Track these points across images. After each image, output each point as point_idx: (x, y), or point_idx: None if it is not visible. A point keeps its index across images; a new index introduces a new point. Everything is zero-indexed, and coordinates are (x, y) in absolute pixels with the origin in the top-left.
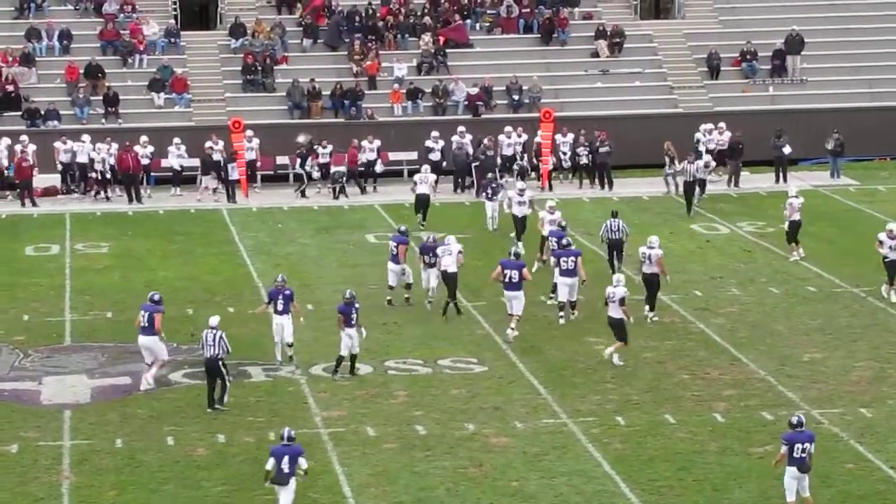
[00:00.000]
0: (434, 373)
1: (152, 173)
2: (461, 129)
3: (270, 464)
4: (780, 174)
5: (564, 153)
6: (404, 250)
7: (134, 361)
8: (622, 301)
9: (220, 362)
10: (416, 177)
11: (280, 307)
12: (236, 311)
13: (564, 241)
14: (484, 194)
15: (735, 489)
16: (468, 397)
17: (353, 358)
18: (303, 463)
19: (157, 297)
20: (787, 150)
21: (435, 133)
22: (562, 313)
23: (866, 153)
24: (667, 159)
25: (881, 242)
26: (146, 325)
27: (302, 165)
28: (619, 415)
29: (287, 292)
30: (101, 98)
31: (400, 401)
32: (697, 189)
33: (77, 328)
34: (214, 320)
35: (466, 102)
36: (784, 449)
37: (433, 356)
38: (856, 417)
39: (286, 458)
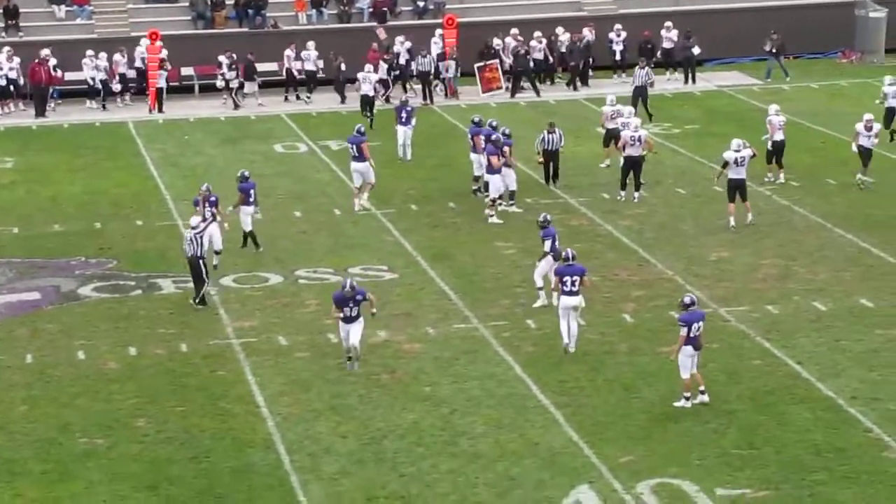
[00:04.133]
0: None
1: (57, 87)
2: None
3: (335, 311)
4: (689, 75)
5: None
6: (366, 147)
7: (42, 276)
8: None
9: (201, 261)
10: (359, 75)
11: (207, 215)
12: (144, 224)
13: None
14: (397, 116)
15: (644, 388)
16: (379, 305)
17: (252, 235)
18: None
19: (361, 129)
20: (696, 50)
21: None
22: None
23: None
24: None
25: (857, 133)
26: (356, 154)
27: (389, 71)
28: (529, 318)
29: (212, 199)
30: (0, 11)
31: (311, 310)
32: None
33: None
34: (194, 220)
35: (371, 9)
36: (683, 330)
37: (343, 264)
38: (762, 314)
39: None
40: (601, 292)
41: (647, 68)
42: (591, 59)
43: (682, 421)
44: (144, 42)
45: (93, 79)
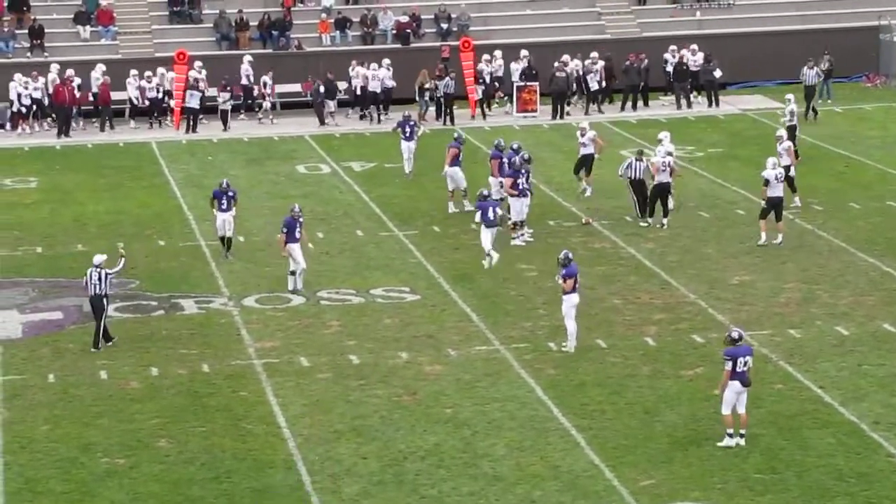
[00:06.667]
0: (367, 302)
1: (83, 107)
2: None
3: (478, 216)
4: (712, 99)
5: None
6: (454, 152)
7: (65, 296)
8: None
9: (105, 300)
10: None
11: (224, 205)
12: (167, 244)
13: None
14: (401, 132)
15: (666, 412)
16: (401, 326)
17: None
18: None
19: (457, 135)
20: (717, 73)
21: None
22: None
23: (794, 77)
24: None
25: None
26: (451, 160)
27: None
28: (551, 340)
29: (230, 193)
30: (26, 31)
31: (333, 331)
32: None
33: (7, 263)
34: (99, 259)
35: (395, 31)
36: (728, 365)
37: (365, 286)
38: (784, 338)
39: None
40: (623, 315)
41: (816, 68)
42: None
43: (703, 445)
44: (169, 74)
45: (137, 98)
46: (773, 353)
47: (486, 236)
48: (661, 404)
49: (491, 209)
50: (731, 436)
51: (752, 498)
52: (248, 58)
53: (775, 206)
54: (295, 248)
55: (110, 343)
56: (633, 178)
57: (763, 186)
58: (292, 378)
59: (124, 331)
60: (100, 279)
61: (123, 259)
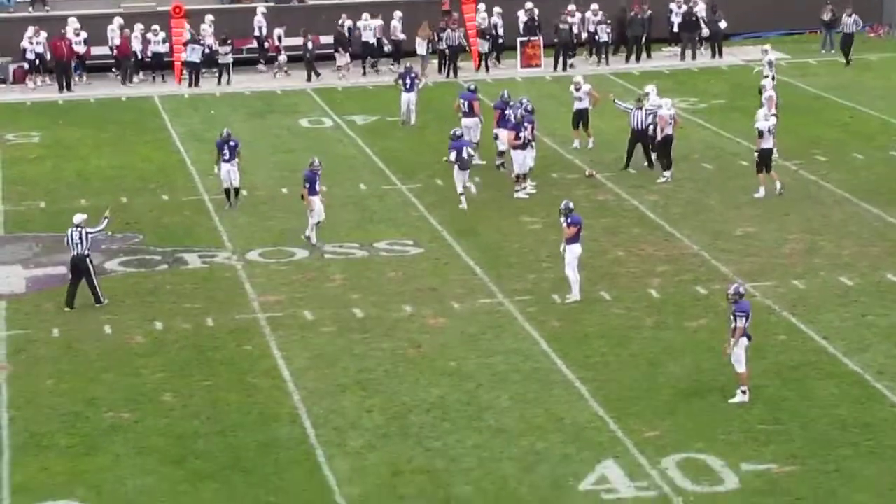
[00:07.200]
0: (370, 255)
1: (87, 61)
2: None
3: (453, 156)
4: (716, 49)
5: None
6: (478, 104)
7: (68, 251)
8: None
9: (88, 259)
10: (360, 24)
11: (227, 156)
12: (170, 199)
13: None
14: (402, 84)
15: (670, 363)
16: (405, 279)
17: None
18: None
19: (472, 87)
20: (722, 24)
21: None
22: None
23: (798, 27)
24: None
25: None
26: (466, 110)
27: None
28: (554, 293)
29: (232, 143)
30: None
31: (337, 284)
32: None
33: (10, 219)
34: (78, 218)
35: None
36: (741, 321)
37: (369, 239)
38: (788, 290)
39: (465, 149)
40: (627, 267)
41: (854, 15)
42: (650, 32)
43: (707, 396)
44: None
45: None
46: (776, 304)
47: (459, 177)
48: (664, 356)
49: (465, 149)
50: (745, 392)
51: (756, 448)
52: (261, 9)
53: (765, 157)
54: (315, 201)
55: (100, 305)
56: (636, 127)
57: (758, 138)
58: (296, 332)
59: (129, 285)
60: (81, 239)
61: (107, 220)
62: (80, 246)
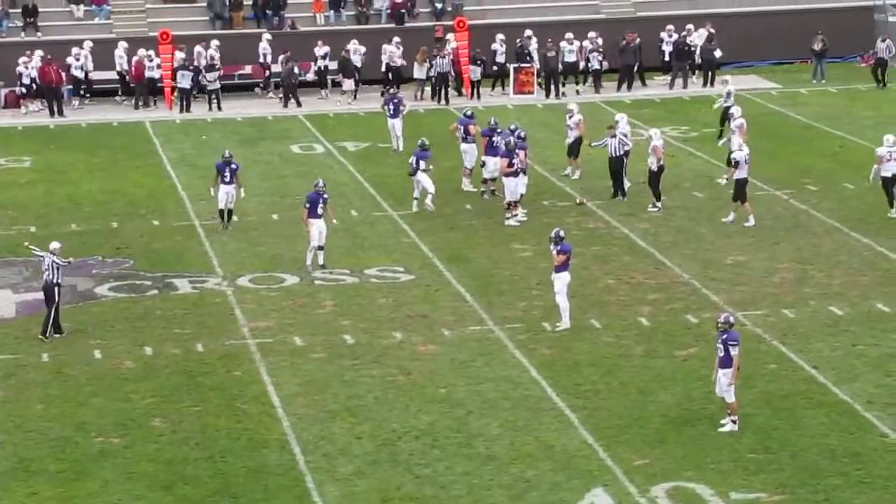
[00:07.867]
0: (361, 282)
1: (84, 86)
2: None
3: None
4: (709, 78)
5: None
6: (474, 129)
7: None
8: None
9: (57, 288)
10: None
11: (227, 178)
12: (161, 224)
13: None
14: (386, 110)
15: (660, 392)
16: (395, 306)
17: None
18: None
19: (469, 112)
20: (717, 53)
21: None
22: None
23: (788, 56)
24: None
25: (881, 158)
26: (464, 136)
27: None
28: (545, 321)
29: (233, 166)
30: (19, 11)
31: (327, 310)
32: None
33: (1, 243)
34: (54, 245)
35: (389, 11)
36: (735, 350)
37: (360, 265)
38: (779, 319)
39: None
40: (617, 295)
41: (889, 40)
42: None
43: (697, 425)
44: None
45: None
46: (766, 333)
47: (425, 179)
48: (654, 384)
49: (425, 160)
50: (735, 421)
51: (746, 477)
52: (266, 36)
53: (742, 186)
54: (312, 224)
55: (58, 336)
56: (611, 155)
57: (734, 168)
58: (286, 358)
59: (119, 310)
60: (49, 266)
61: (70, 261)
62: (49, 273)
